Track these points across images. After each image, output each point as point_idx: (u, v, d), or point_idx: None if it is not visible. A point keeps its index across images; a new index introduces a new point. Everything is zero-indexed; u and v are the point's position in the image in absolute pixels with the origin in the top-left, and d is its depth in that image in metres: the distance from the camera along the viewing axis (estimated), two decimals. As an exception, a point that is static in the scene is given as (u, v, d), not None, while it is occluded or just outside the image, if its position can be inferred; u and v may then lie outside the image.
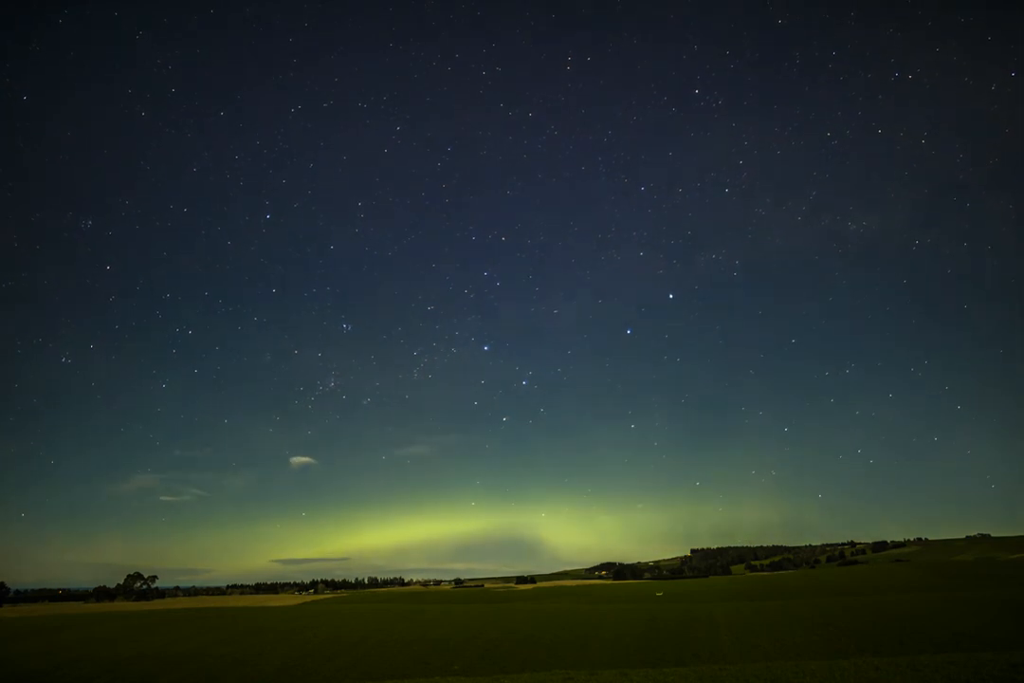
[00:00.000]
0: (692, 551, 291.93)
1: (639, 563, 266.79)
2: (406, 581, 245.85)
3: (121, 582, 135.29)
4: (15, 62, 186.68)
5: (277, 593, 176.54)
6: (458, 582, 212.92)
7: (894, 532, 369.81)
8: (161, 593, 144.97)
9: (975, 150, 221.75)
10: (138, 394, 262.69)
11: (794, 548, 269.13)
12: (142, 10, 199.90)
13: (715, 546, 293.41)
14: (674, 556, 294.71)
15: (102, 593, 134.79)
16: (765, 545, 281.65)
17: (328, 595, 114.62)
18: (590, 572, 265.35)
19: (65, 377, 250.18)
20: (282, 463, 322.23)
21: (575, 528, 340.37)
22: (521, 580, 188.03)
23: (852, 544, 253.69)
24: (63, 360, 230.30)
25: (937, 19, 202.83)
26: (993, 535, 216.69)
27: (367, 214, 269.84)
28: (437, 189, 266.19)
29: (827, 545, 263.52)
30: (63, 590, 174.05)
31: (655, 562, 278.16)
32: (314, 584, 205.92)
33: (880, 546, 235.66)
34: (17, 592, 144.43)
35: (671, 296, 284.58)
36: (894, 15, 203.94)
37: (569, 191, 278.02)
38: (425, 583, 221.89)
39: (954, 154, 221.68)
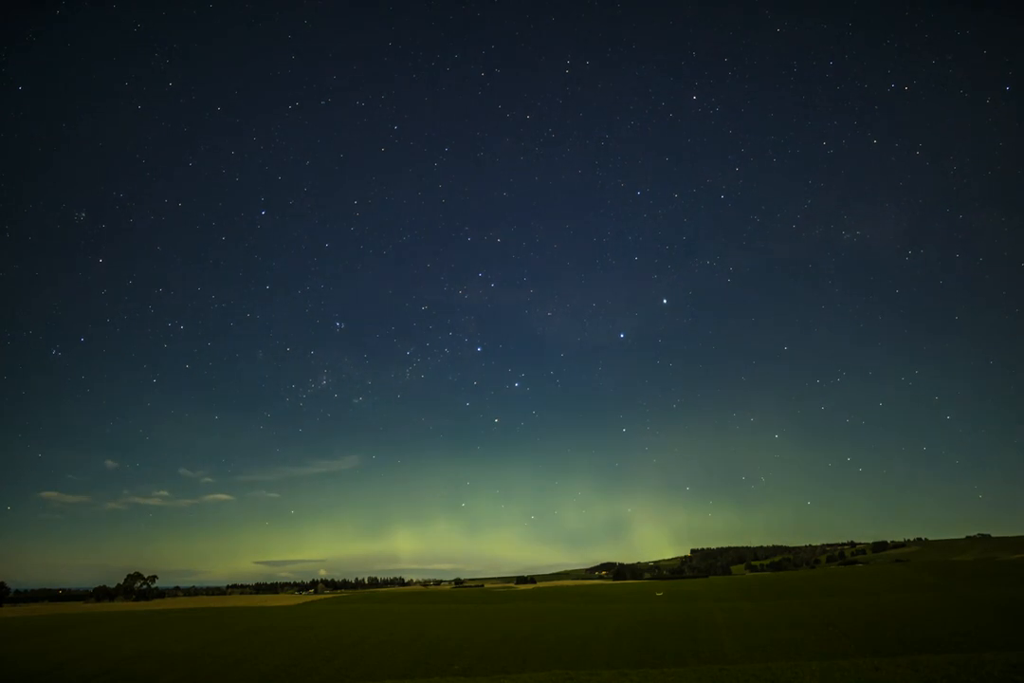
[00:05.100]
0: (692, 551, 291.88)
1: (639, 563, 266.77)
2: (406, 581, 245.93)
3: (121, 582, 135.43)
4: (11, 54, 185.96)
5: (277, 593, 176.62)
6: (458, 582, 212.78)
7: (894, 532, 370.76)
8: (161, 593, 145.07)
9: (969, 162, 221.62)
10: (129, 388, 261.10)
11: (794, 548, 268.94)
12: (140, 3, 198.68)
13: (715, 546, 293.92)
14: (674, 556, 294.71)
15: (102, 593, 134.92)
16: (765, 545, 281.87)
17: (328, 595, 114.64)
18: (590, 572, 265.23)
19: (55, 370, 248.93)
20: (269, 462, 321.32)
21: (567, 530, 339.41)
22: (521, 580, 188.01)
23: (852, 544, 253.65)
24: (54, 353, 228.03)
25: (934, 32, 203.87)
26: (993, 535, 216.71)
27: (363, 213, 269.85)
28: (434, 189, 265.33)
29: (827, 545, 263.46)
30: (63, 590, 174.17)
31: (655, 562, 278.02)
32: (314, 584, 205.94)
33: (880, 546, 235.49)
34: (17, 592, 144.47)
35: (665, 301, 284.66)
36: (891, 27, 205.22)
37: (565, 194, 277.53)
38: (425, 583, 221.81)
39: (948, 166, 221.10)
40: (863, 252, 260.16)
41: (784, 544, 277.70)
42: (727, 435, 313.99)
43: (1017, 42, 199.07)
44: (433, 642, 27.07)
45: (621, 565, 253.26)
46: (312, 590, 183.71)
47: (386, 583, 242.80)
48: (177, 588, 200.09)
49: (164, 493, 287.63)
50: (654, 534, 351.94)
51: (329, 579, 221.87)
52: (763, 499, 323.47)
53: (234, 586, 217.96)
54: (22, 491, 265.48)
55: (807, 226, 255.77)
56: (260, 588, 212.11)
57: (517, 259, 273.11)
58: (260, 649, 27.21)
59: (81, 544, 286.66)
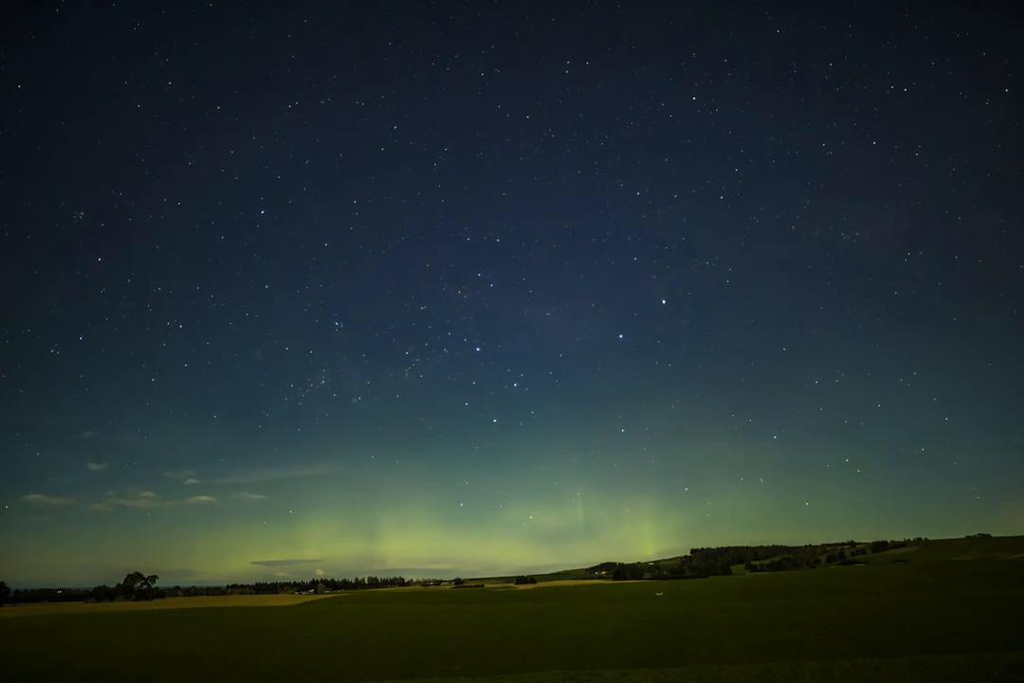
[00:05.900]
0: (692, 551, 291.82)
1: (639, 563, 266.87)
2: (406, 581, 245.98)
3: (121, 582, 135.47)
4: (11, 53, 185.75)
5: (277, 593, 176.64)
6: (458, 582, 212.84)
7: (894, 532, 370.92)
8: (161, 593, 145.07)
9: (969, 164, 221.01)
10: (127, 388, 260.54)
11: (794, 548, 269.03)
12: (140, 3, 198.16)
13: (715, 546, 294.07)
14: (674, 556, 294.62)
15: (102, 593, 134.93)
16: (765, 545, 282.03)
17: (328, 595, 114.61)
18: (590, 572, 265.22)
19: (54, 369, 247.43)
20: (267, 461, 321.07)
21: (566, 530, 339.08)
22: (521, 580, 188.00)
23: (852, 544, 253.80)
24: (52, 352, 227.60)
25: (933, 33, 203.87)
26: (993, 535, 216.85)
27: (362, 212, 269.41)
28: (433, 189, 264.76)
29: (827, 545, 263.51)
30: (63, 590, 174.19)
31: (655, 562, 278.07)
32: (314, 584, 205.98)
33: (880, 546, 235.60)
34: (17, 592, 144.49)
35: (664, 302, 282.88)
36: (891, 28, 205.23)
37: (565, 194, 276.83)
38: (425, 583, 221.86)
39: (948, 167, 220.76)
40: (862, 253, 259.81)
41: (784, 544, 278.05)
42: (726, 435, 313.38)
43: (1017, 43, 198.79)
44: (433, 642, 27.07)
45: (621, 565, 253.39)
46: (312, 590, 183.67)
47: (386, 583, 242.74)
48: (177, 588, 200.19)
49: (150, 494, 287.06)
50: (654, 534, 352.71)
51: (329, 579, 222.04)
52: (763, 499, 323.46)
53: (234, 586, 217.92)
54: (15, 491, 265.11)
55: (806, 227, 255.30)
56: (260, 588, 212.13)
57: (516, 259, 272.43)
58: (260, 649, 27.21)
59: (80, 544, 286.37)
